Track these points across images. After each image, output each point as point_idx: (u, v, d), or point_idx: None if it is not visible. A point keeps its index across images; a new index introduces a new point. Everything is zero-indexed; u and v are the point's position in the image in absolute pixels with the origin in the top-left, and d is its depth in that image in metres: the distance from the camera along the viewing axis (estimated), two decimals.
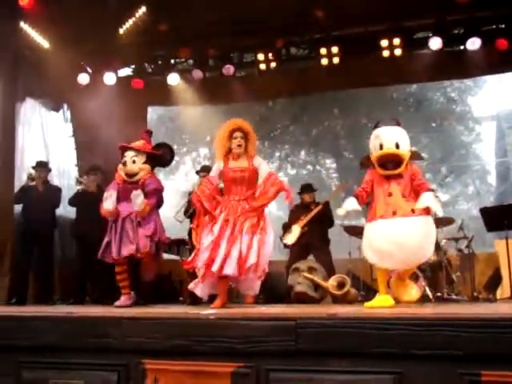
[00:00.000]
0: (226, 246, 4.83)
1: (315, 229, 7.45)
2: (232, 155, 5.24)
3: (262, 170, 5.20)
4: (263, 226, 4.99)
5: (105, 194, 5.58)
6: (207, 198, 5.12)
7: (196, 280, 5.04)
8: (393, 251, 4.43)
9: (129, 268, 5.67)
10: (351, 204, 4.86)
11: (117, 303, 5.45)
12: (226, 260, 4.79)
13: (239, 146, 5.20)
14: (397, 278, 5.13)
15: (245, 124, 5.30)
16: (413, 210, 4.48)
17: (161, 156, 5.86)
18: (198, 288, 5.03)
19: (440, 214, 4.75)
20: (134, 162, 5.61)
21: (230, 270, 4.75)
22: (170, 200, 7.68)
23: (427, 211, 4.52)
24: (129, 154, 5.63)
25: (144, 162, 5.66)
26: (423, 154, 11.23)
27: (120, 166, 5.67)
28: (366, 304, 4.68)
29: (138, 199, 5.42)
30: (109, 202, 5.48)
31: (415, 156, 4.90)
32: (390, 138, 4.65)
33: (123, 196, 5.62)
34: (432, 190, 4.63)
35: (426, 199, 4.49)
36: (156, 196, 5.70)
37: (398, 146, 4.62)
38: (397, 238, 4.42)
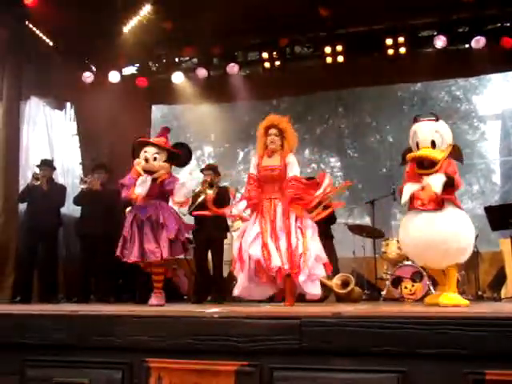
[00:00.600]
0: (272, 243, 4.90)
1: (320, 228, 7.44)
2: (266, 152, 5.24)
3: (289, 170, 5.19)
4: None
5: (139, 180, 5.38)
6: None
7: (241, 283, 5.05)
8: (420, 249, 4.43)
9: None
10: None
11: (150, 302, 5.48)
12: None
13: (272, 142, 5.19)
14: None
15: (281, 121, 5.25)
16: (441, 204, 4.41)
17: (180, 156, 5.68)
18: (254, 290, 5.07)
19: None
20: (155, 159, 5.43)
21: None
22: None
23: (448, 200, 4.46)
24: (150, 151, 5.44)
25: (164, 161, 5.51)
26: None
27: (139, 161, 5.47)
28: (441, 300, 4.48)
29: (183, 190, 5.43)
30: (143, 189, 5.34)
31: (455, 152, 4.70)
32: (426, 136, 4.55)
33: None
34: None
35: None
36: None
37: (434, 144, 4.54)
38: (423, 235, 4.39)
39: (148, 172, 5.41)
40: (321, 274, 5.04)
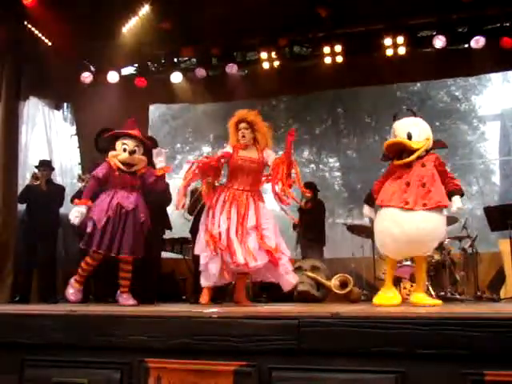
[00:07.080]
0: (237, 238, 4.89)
1: (311, 228, 7.49)
2: (240, 146, 5.25)
3: (270, 160, 5.20)
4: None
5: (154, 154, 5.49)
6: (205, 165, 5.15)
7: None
8: (397, 240, 4.47)
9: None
10: (366, 211, 5.04)
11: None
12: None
13: (243, 137, 5.20)
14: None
15: (250, 114, 5.25)
16: (425, 204, 4.47)
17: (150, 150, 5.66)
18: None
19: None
20: (135, 151, 5.43)
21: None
22: (172, 198, 7.65)
23: (441, 206, 4.54)
24: (130, 143, 5.43)
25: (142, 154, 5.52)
26: None
27: (116, 153, 5.46)
28: (375, 300, 4.70)
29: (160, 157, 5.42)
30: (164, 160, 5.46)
31: (437, 144, 4.87)
32: (402, 129, 4.72)
33: (121, 186, 5.45)
34: (459, 190, 4.67)
35: (456, 203, 4.61)
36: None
37: (410, 137, 4.63)
38: (403, 228, 4.44)
39: (127, 165, 5.42)
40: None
